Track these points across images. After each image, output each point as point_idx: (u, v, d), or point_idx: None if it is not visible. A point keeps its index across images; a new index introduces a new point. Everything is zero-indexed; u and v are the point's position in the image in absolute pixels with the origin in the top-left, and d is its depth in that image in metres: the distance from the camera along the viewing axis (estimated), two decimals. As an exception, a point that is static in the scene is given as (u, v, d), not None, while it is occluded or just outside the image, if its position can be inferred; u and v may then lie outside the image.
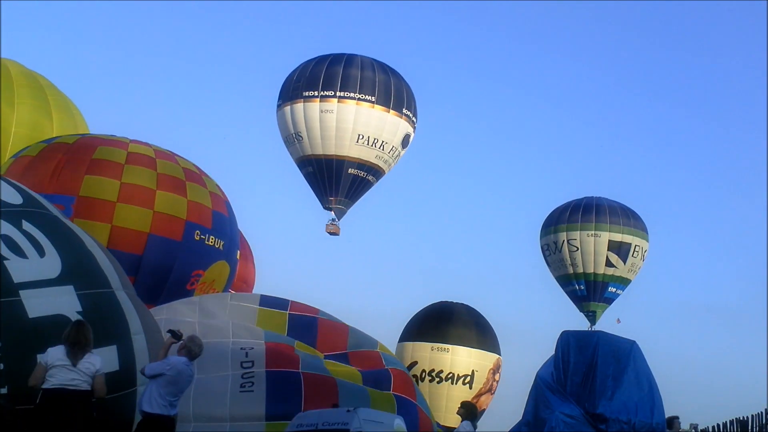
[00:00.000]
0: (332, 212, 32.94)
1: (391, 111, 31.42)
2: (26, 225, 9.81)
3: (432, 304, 31.03)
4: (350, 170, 31.75)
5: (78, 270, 9.79)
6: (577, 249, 36.14)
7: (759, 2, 56.32)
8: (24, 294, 9.13)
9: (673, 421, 14.52)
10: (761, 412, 15.46)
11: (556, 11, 77.97)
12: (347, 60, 31.81)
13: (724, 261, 68.43)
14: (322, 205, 33.21)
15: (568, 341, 14.95)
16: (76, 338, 8.57)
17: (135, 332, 9.90)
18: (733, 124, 76.42)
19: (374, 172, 32.37)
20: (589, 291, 36.80)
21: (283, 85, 32.98)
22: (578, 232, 36.09)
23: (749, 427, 15.81)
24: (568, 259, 36.44)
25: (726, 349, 59.81)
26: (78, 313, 9.30)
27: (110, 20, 75.85)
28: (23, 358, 8.71)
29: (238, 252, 18.77)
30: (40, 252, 9.61)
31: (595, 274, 36.30)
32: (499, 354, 30.00)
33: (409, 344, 29.44)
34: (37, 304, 9.12)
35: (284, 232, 71.63)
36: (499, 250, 72.89)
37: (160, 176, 16.92)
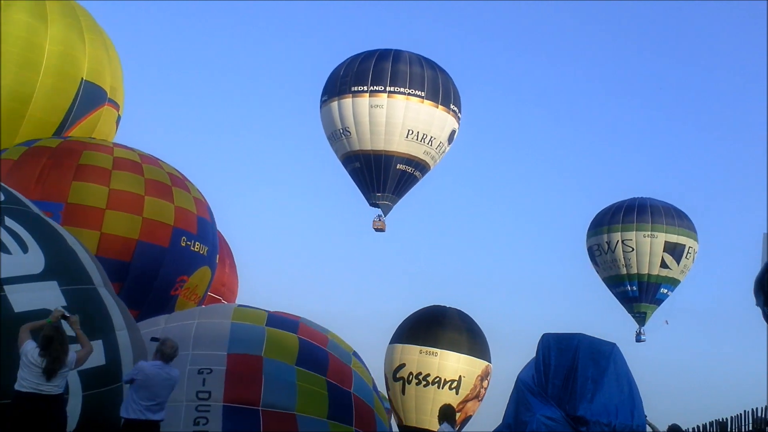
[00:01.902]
0: (379, 208, 33.16)
1: (440, 106, 31.57)
2: (9, 221, 9.94)
3: (425, 308, 31.07)
4: (398, 166, 31.84)
5: (61, 266, 9.93)
6: (633, 249, 35.90)
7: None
8: (9, 289, 9.26)
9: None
10: (740, 414, 15.58)
11: (602, 9, 77.42)
12: (395, 55, 31.90)
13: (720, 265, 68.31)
14: (367, 201, 33.32)
15: (549, 344, 15.08)
16: (54, 358, 8.50)
17: (118, 328, 10.06)
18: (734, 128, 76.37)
19: (421, 167, 32.46)
20: (641, 292, 36.66)
21: (328, 81, 32.91)
22: (634, 232, 35.88)
23: (728, 429, 15.92)
24: (622, 259, 36.18)
25: (708, 352, 59.96)
26: (63, 308, 9.35)
27: (142, 18, 75.70)
28: (10, 352, 8.76)
29: (218, 256, 18.82)
30: (24, 248, 9.75)
31: (649, 275, 36.17)
32: (489, 361, 30.04)
33: (399, 346, 29.53)
34: (23, 299, 9.24)
35: (319, 230, 71.25)
36: (536, 252, 72.13)
37: (148, 182, 16.85)
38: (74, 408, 9.26)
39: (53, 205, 15.61)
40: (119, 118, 21.27)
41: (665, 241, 35.82)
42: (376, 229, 33.49)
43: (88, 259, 10.45)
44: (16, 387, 8.52)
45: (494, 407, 28.59)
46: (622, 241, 36.17)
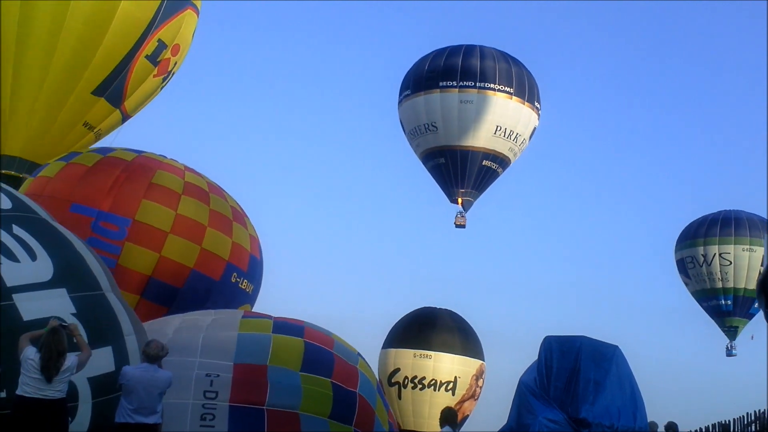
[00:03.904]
0: (459, 204, 32.87)
1: (526, 103, 31.52)
2: (17, 229, 9.87)
3: (415, 310, 31.02)
4: (484, 162, 31.65)
5: (70, 272, 9.89)
6: (730, 263, 35.32)
7: None
8: (17, 297, 9.19)
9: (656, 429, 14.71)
10: (743, 416, 15.62)
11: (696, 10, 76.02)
12: (481, 51, 31.74)
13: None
14: (448, 197, 33.00)
15: (551, 346, 15.11)
16: (49, 355, 8.49)
17: (127, 333, 10.05)
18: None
19: (504, 164, 32.33)
20: (735, 306, 36.18)
21: (411, 76, 32.58)
22: (732, 246, 35.35)
23: (731, 430, 15.96)
24: (719, 273, 35.62)
25: (710, 353, 60.01)
26: (72, 315, 9.38)
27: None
28: (18, 361, 8.63)
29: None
30: (32, 256, 9.70)
31: (745, 290, 35.53)
32: (483, 360, 30.06)
33: (392, 351, 29.44)
34: (31, 307, 9.17)
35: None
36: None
37: (212, 213, 16.90)
38: (84, 415, 9.23)
39: (121, 219, 15.78)
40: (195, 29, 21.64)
41: (763, 256, 35.13)
42: (458, 225, 33.29)
43: (95, 263, 10.41)
44: (18, 392, 8.50)
45: (490, 406, 28.71)
46: (720, 255, 35.58)
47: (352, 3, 76.83)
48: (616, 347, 15.15)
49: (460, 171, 31.79)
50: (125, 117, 21.94)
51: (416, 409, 28.24)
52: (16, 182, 20.07)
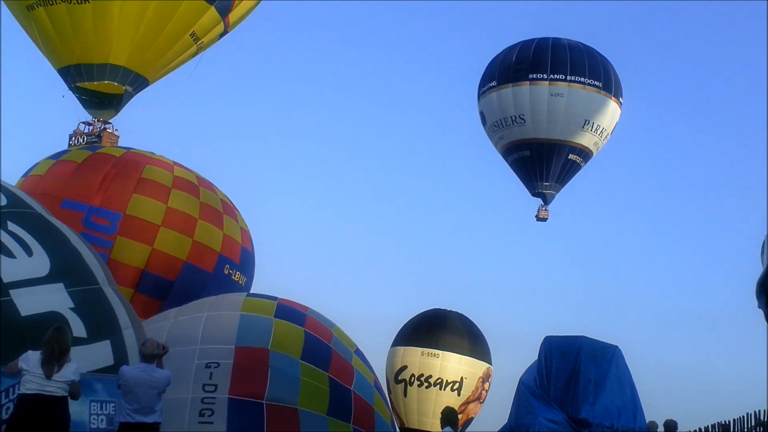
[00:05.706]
0: (540, 198, 32.78)
1: (612, 97, 31.43)
2: (12, 226, 9.98)
3: (425, 311, 30.96)
4: (570, 156, 31.49)
5: (67, 268, 9.98)
6: None
7: None
8: (14, 293, 9.28)
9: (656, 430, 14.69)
10: (743, 416, 15.56)
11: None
12: (569, 44, 31.59)
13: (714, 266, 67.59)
14: (530, 191, 32.77)
15: (551, 347, 15.15)
16: (51, 350, 8.44)
17: (125, 327, 10.13)
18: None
19: (587, 157, 32.15)
20: None
21: (496, 68, 32.37)
22: None
23: (731, 431, 15.90)
24: None
25: (710, 354, 59.70)
26: (71, 309, 9.47)
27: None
28: (18, 356, 8.57)
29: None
30: (28, 251, 9.80)
31: None
32: (490, 363, 29.99)
33: (401, 349, 29.39)
34: (29, 303, 9.26)
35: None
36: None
37: (203, 206, 17.15)
38: (85, 409, 9.32)
39: (112, 213, 16.07)
40: None
41: None
42: (539, 219, 33.13)
43: (92, 258, 10.50)
44: (20, 390, 8.49)
45: (495, 409, 28.62)
46: None
47: (400, 3, 75.74)
48: (615, 347, 15.18)
49: (546, 164, 31.57)
50: (225, 32, 22.20)
51: (421, 408, 28.20)
52: (114, 99, 20.21)
